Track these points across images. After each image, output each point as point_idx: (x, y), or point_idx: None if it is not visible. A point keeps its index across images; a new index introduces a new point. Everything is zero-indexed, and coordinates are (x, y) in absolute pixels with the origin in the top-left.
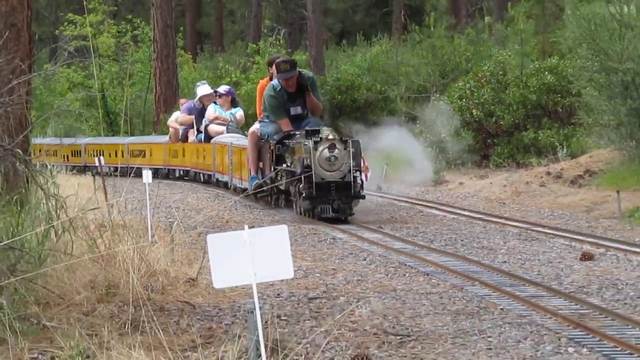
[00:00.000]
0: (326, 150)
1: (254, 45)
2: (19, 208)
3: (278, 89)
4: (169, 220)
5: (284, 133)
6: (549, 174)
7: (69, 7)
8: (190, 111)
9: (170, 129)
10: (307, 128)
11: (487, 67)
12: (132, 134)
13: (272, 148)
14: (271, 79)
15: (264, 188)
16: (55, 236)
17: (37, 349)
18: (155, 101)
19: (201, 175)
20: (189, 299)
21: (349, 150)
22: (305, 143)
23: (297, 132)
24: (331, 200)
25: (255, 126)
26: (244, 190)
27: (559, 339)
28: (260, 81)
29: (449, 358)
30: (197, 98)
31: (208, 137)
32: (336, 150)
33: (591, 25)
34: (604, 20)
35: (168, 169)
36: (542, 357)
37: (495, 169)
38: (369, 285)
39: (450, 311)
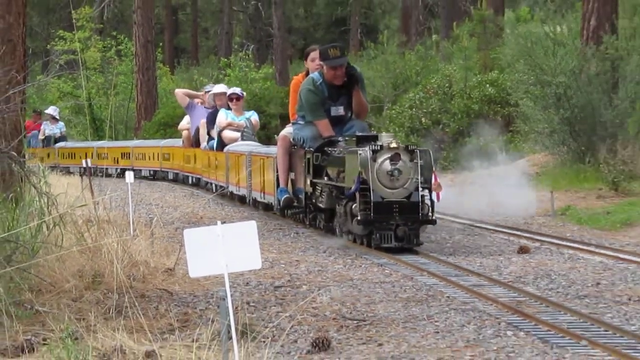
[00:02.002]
0: (387, 161)
1: (226, 60)
2: (14, 205)
3: (319, 82)
4: (149, 216)
5: (323, 139)
6: (490, 176)
7: (59, 24)
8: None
9: (183, 133)
10: (357, 133)
11: (434, 80)
12: (116, 139)
13: (308, 157)
14: (307, 75)
15: (295, 204)
16: (47, 230)
17: (30, 332)
18: (137, 109)
19: (213, 185)
20: (167, 287)
21: (417, 163)
22: (361, 152)
23: (341, 139)
24: (394, 226)
25: (287, 130)
26: (267, 205)
27: (499, 324)
28: (295, 77)
29: (400, 340)
30: (210, 97)
31: (222, 145)
32: (400, 162)
33: (527, 42)
34: (539, 39)
35: (183, 175)
36: (483, 340)
37: (442, 172)
38: (328, 275)
39: (401, 298)
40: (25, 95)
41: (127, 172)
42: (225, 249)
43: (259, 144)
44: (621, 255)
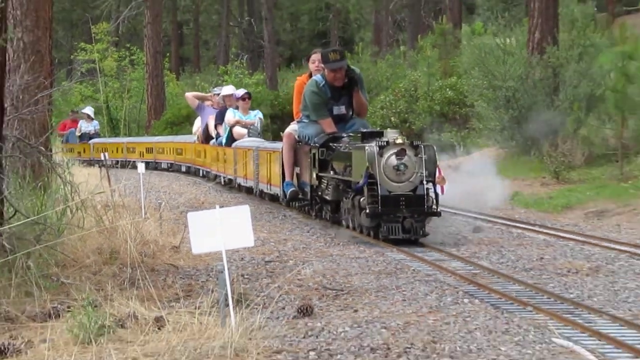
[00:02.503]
0: (394, 157)
1: (223, 67)
2: (42, 192)
3: (322, 84)
4: (158, 201)
5: (327, 135)
6: (449, 167)
7: (81, 37)
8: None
9: (194, 130)
10: (360, 130)
11: (402, 85)
12: (130, 135)
13: (313, 152)
14: (310, 77)
15: (300, 196)
16: (71, 214)
17: (56, 300)
18: (148, 110)
19: (222, 178)
20: (173, 262)
21: (421, 157)
22: (368, 148)
23: (344, 135)
24: (401, 218)
25: (292, 127)
26: (272, 196)
27: (457, 292)
28: (299, 78)
29: (373, 307)
30: (220, 97)
31: (232, 140)
32: (406, 157)
33: (481, 52)
34: (491, 49)
35: (195, 168)
36: (444, 307)
37: None
38: (311, 252)
39: (374, 271)
40: (52, 99)
41: (138, 164)
42: (223, 229)
43: (263, 140)
44: (561, 234)
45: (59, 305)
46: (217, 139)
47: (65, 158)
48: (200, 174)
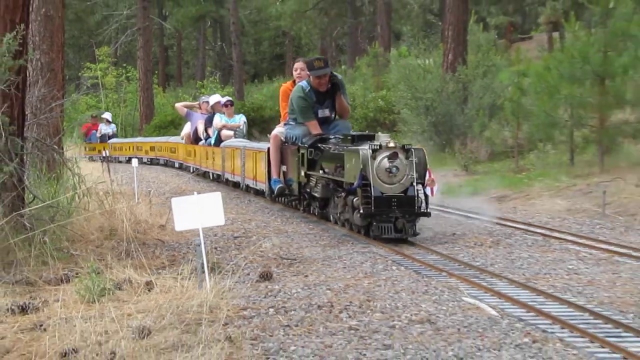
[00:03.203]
0: (386, 159)
1: (200, 82)
2: (56, 182)
3: (307, 89)
4: (148, 189)
5: (315, 136)
6: None
7: (87, 58)
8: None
9: (183, 133)
10: (341, 132)
11: None
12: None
13: (302, 152)
14: (294, 84)
15: (287, 192)
16: (78, 199)
17: (67, 268)
18: (140, 117)
19: (211, 173)
20: (160, 237)
21: (412, 160)
22: (362, 151)
23: (332, 136)
24: (393, 219)
25: (278, 129)
26: (258, 191)
27: (387, 261)
28: (283, 85)
29: (319, 273)
30: (209, 106)
31: (220, 140)
32: (397, 160)
33: (406, 71)
34: (414, 68)
35: (185, 165)
36: (376, 272)
37: None
38: (271, 229)
39: (320, 245)
40: (63, 107)
41: (133, 159)
42: (200, 211)
43: (248, 141)
44: (470, 215)
45: (69, 272)
46: (206, 140)
47: (74, 155)
48: (191, 170)
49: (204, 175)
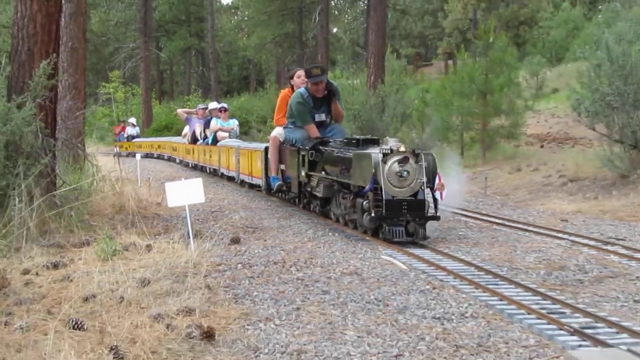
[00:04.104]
0: (396, 164)
1: (187, 97)
2: (79, 171)
3: (305, 95)
4: (148, 176)
5: (315, 139)
6: None
7: (103, 79)
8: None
9: (182, 134)
10: (337, 135)
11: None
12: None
13: (303, 154)
14: (292, 89)
15: (284, 188)
16: (96, 183)
17: (87, 235)
18: (142, 122)
19: (208, 168)
20: (157, 212)
21: (421, 165)
22: (374, 155)
23: (331, 140)
24: (404, 222)
25: (277, 131)
26: (252, 185)
27: (325, 229)
28: (282, 91)
29: (275, 237)
30: (208, 110)
31: (216, 140)
32: (408, 164)
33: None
34: (345, 86)
35: (185, 161)
36: (318, 237)
37: None
38: (239, 206)
39: (276, 217)
40: (85, 116)
41: (137, 154)
42: (186, 191)
43: (241, 141)
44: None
45: (89, 238)
46: (204, 140)
47: (93, 151)
48: (189, 166)
49: (202, 169)
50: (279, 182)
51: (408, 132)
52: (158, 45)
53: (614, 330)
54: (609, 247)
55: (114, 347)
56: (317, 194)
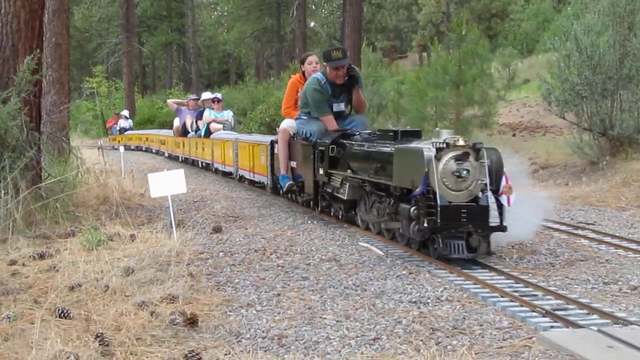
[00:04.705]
0: (453, 161)
1: (169, 91)
2: (64, 163)
3: (323, 82)
4: (131, 168)
5: (337, 132)
6: None
7: (86, 74)
8: (181, 113)
9: (173, 127)
10: (358, 128)
11: (272, 99)
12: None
13: (321, 148)
14: (304, 76)
15: (294, 189)
16: (81, 175)
17: (73, 226)
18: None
19: (200, 162)
20: (141, 202)
21: (483, 163)
22: (426, 150)
23: (358, 132)
24: (464, 234)
25: (287, 123)
26: (253, 182)
27: (304, 217)
28: (292, 76)
29: (255, 226)
30: (200, 101)
31: (209, 133)
32: (467, 162)
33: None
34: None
35: (174, 155)
36: (297, 225)
37: None
38: (220, 196)
39: (256, 206)
40: (69, 110)
41: (120, 146)
42: (168, 182)
43: (235, 133)
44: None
45: (74, 229)
46: (195, 132)
47: (77, 144)
48: (179, 160)
49: (193, 163)
50: (290, 182)
51: (384, 122)
52: (140, 40)
53: (584, 311)
54: (580, 232)
55: (99, 334)
56: (341, 196)
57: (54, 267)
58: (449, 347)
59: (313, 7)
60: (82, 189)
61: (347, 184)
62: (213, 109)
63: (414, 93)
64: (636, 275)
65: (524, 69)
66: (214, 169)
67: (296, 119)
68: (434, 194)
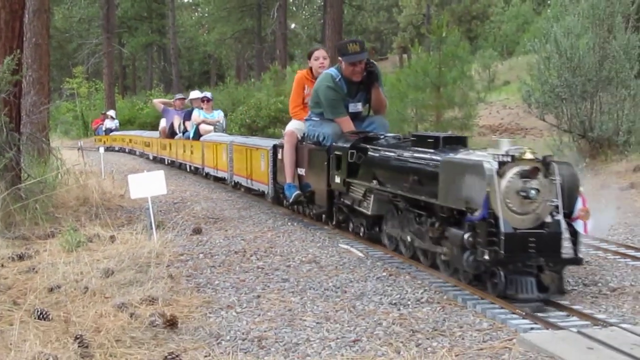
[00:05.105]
0: (518, 178)
1: (149, 92)
2: (44, 164)
3: (338, 79)
4: (111, 169)
5: (358, 134)
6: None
7: (67, 74)
8: (168, 114)
9: (160, 128)
10: (378, 130)
11: (252, 101)
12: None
13: (337, 154)
14: (311, 72)
15: (302, 199)
16: (61, 177)
17: (52, 227)
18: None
19: (188, 166)
20: (120, 203)
21: (554, 180)
22: (487, 164)
23: (382, 135)
24: (534, 270)
25: (294, 125)
26: (250, 190)
27: (284, 219)
28: (299, 72)
29: (236, 227)
30: (188, 100)
31: (199, 135)
32: (536, 180)
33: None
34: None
35: (160, 157)
36: (277, 227)
37: None
38: (201, 197)
39: (237, 207)
40: (49, 110)
41: (100, 147)
42: (148, 183)
43: (227, 134)
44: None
45: (54, 230)
46: (183, 134)
47: (58, 145)
48: (165, 162)
49: (180, 167)
50: (297, 192)
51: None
52: (120, 41)
53: (564, 313)
54: None
55: (78, 336)
56: (364, 210)
57: (33, 269)
58: (429, 348)
59: (294, 8)
60: (62, 190)
61: (372, 196)
62: (202, 109)
63: (394, 95)
64: (615, 277)
65: (504, 71)
66: (204, 174)
67: (306, 120)
68: (496, 218)
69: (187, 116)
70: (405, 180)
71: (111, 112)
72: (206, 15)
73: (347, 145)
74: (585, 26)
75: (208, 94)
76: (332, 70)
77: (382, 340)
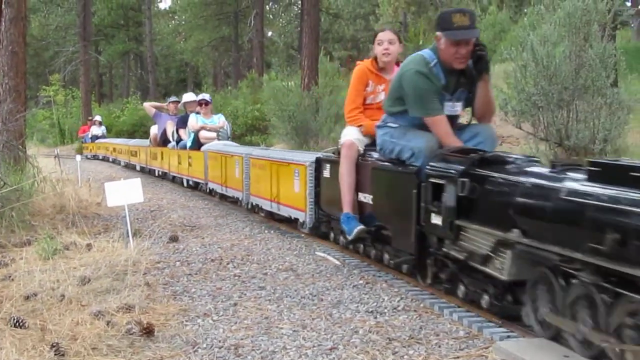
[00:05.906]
0: None
1: (126, 99)
2: (20, 172)
3: (432, 63)
4: (88, 177)
5: (474, 153)
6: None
7: (43, 82)
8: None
9: (151, 135)
10: (483, 145)
11: (229, 109)
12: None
13: (437, 182)
14: (376, 62)
15: (366, 236)
16: (37, 185)
17: (28, 235)
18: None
19: (185, 180)
20: (97, 211)
21: None
22: None
23: (509, 155)
24: None
25: (353, 134)
26: (272, 215)
27: (261, 227)
28: (359, 62)
29: (213, 235)
30: (181, 104)
31: (198, 143)
32: None
33: (275, 90)
34: (280, 88)
35: (149, 168)
36: (254, 235)
37: None
38: (177, 205)
39: (213, 215)
40: (25, 118)
41: (77, 155)
42: (125, 191)
43: (233, 143)
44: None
45: (30, 238)
46: (177, 143)
47: (34, 153)
48: (156, 174)
49: (173, 180)
50: (360, 227)
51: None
52: (97, 49)
53: None
54: None
55: (54, 344)
56: (494, 272)
57: (9, 276)
58: (405, 356)
59: (271, 16)
60: (39, 198)
61: (509, 252)
62: (199, 113)
63: None
64: None
65: None
66: (208, 190)
67: (378, 126)
68: None
69: (181, 122)
70: (584, 236)
71: (97, 117)
72: (183, 23)
73: (456, 171)
74: (562, 34)
75: (206, 96)
76: (427, 52)
77: (358, 348)
